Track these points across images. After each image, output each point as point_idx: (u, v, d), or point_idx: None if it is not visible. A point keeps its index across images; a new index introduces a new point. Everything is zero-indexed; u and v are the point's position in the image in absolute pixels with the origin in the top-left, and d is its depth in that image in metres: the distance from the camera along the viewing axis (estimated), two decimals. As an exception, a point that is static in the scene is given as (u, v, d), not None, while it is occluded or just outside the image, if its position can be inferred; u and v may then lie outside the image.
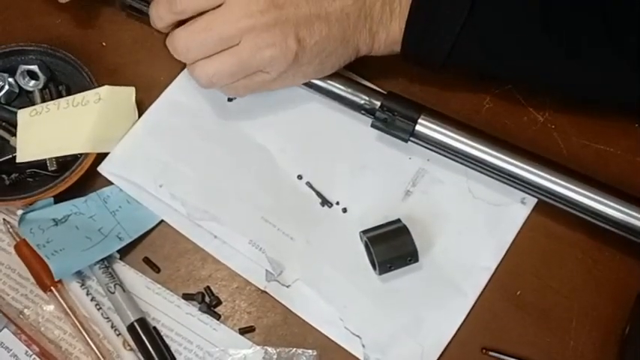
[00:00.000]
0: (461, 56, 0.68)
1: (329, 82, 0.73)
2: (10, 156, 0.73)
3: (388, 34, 0.68)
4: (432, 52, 0.69)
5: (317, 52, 0.67)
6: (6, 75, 0.75)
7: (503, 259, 0.71)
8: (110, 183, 0.73)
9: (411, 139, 0.71)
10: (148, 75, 0.77)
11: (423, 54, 0.69)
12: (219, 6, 0.66)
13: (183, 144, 0.75)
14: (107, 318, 0.69)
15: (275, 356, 0.69)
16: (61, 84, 0.76)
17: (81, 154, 0.72)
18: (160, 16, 0.68)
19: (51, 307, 0.70)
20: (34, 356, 0.68)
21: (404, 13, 0.67)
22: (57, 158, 0.72)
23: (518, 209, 0.73)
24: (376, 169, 0.74)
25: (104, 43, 0.79)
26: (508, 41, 0.68)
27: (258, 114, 0.76)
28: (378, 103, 0.71)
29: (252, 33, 0.65)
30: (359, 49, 0.69)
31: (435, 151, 0.72)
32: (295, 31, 0.65)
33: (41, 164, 0.72)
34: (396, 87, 0.74)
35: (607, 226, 0.69)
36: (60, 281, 0.69)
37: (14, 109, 0.74)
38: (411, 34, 0.68)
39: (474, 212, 0.73)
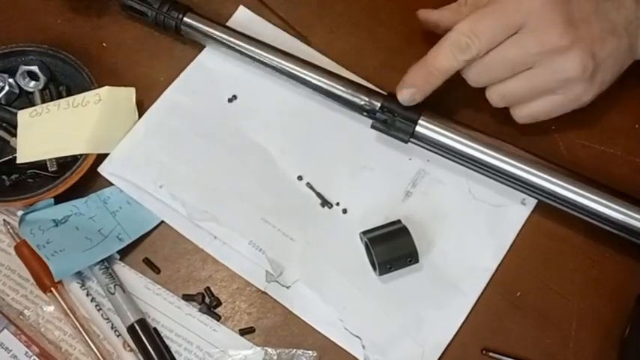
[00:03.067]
0: None
1: (329, 82, 0.73)
2: (11, 157, 0.73)
3: None
4: None
5: (609, 66, 0.67)
6: (6, 76, 0.75)
7: (503, 259, 0.71)
8: (110, 184, 0.73)
9: (411, 140, 0.71)
10: (148, 75, 0.77)
11: None
12: (516, 33, 0.65)
13: (183, 145, 0.75)
14: (107, 319, 0.69)
15: (275, 357, 0.69)
16: (61, 85, 0.76)
17: (81, 155, 0.72)
18: (445, 68, 0.67)
19: (51, 308, 0.70)
20: (33, 357, 0.68)
21: None
22: (57, 159, 0.72)
23: (518, 210, 0.73)
24: (376, 170, 0.74)
25: (104, 44, 0.79)
26: None
27: (259, 115, 0.76)
28: (379, 104, 0.71)
29: (550, 57, 0.64)
30: (638, 54, 0.69)
31: (435, 152, 0.72)
32: (590, 50, 0.64)
33: (41, 165, 0.72)
34: (396, 88, 0.74)
35: (607, 227, 0.69)
36: (60, 282, 0.69)
37: (14, 110, 0.74)
38: None
39: (474, 213, 0.73)
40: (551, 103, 0.68)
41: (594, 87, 0.67)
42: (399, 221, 0.70)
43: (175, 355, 0.69)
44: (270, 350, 0.69)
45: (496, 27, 0.64)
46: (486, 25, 0.64)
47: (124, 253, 0.72)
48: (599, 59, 0.65)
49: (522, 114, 0.70)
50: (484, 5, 0.65)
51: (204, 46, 0.78)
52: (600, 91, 0.68)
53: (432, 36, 0.71)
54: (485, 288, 0.70)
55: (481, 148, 0.70)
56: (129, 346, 0.68)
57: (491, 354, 0.69)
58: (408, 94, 0.69)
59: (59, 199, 0.71)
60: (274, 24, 0.80)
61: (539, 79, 0.66)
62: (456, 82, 0.74)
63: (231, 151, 0.75)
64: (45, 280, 0.69)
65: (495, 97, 0.69)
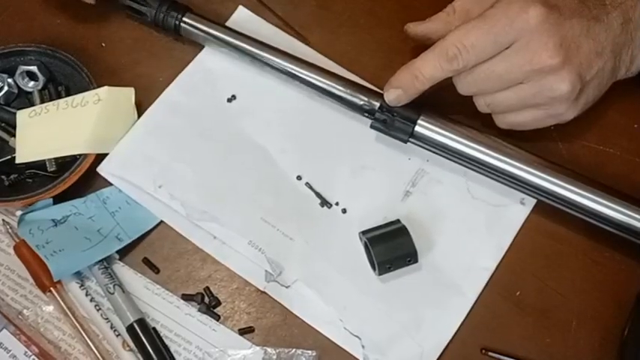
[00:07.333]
0: None
1: (329, 82, 0.73)
2: (10, 157, 0.73)
3: None
4: None
5: (593, 87, 0.67)
6: (5, 76, 0.75)
7: (502, 259, 0.71)
8: (109, 184, 0.73)
9: (411, 139, 0.71)
10: (148, 75, 0.77)
11: None
12: (506, 48, 0.65)
13: (182, 144, 0.75)
14: (106, 319, 0.69)
15: (274, 357, 0.68)
16: (60, 85, 0.76)
17: (80, 155, 0.72)
18: (430, 76, 0.67)
19: (50, 308, 0.70)
20: (33, 357, 0.68)
21: None
22: (56, 159, 0.72)
23: (517, 210, 0.73)
24: (376, 170, 0.74)
25: (103, 44, 0.79)
26: None
27: (258, 114, 0.76)
28: (378, 104, 0.71)
29: (539, 76, 0.64)
30: (619, 75, 0.69)
31: (434, 152, 0.72)
32: (578, 72, 0.65)
33: (40, 165, 0.72)
34: (395, 88, 0.74)
35: (606, 227, 0.69)
36: (59, 282, 0.69)
37: (13, 110, 0.74)
38: None
39: (473, 213, 0.73)
40: (533, 117, 0.68)
41: (578, 107, 0.68)
42: (398, 221, 0.70)
43: (175, 355, 0.69)
44: (269, 350, 0.69)
45: (486, 41, 0.64)
46: (476, 38, 0.64)
47: (124, 253, 0.72)
48: (585, 81, 0.66)
49: (504, 121, 0.70)
50: (476, 17, 0.65)
51: (204, 46, 0.78)
52: (582, 111, 0.69)
53: (432, 36, 0.72)
54: (485, 288, 0.70)
55: (480, 148, 0.70)
56: (128, 345, 0.68)
57: (490, 353, 0.69)
58: (393, 94, 0.69)
59: (58, 199, 0.71)
60: (273, 24, 0.80)
61: (525, 95, 0.66)
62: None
63: (230, 151, 0.75)
64: (44, 280, 0.69)
65: (482, 103, 0.69)
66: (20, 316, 0.70)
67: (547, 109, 0.67)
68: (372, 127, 0.72)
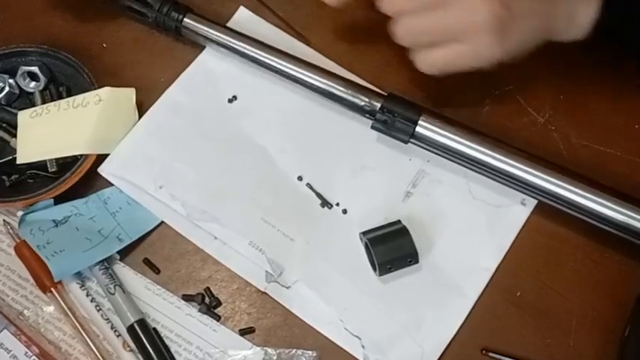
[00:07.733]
0: None
1: (330, 83, 0.73)
2: (11, 157, 0.73)
3: (585, 15, 0.65)
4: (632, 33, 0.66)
5: (522, 27, 0.64)
6: (6, 76, 0.75)
7: (503, 260, 0.71)
8: (110, 184, 0.73)
9: (411, 140, 0.71)
10: (149, 76, 0.77)
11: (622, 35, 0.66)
12: None
13: (183, 145, 0.75)
14: (107, 319, 0.69)
15: (275, 357, 0.69)
16: (61, 85, 0.76)
17: (81, 156, 0.72)
18: None
19: (51, 308, 0.70)
20: (33, 357, 0.68)
21: None
22: (57, 159, 0.72)
23: (518, 210, 0.73)
24: (376, 170, 0.74)
25: (104, 44, 0.79)
26: None
27: (259, 115, 0.76)
28: (379, 105, 0.71)
29: None
30: (553, 30, 0.66)
31: (435, 153, 0.72)
32: (506, 1, 0.62)
33: (41, 165, 0.72)
34: (396, 88, 0.74)
35: (607, 228, 0.69)
36: (60, 282, 0.69)
37: (14, 111, 0.75)
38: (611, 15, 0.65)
39: (474, 213, 0.73)
40: (454, 53, 0.65)
41: (503, 45, 0.64)
42: (398, 221, 0.70)
43: (175, 355, 0.69)
44: (270, 350, 0.69)
45: None
46: None
47: (124, 254, 0.72)
48: (512, 12, 0.63)
49: (427, 60, 0.67)
50: None
51: (205, 47, 0.78)
52: (508, 56, 0.65)
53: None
54: (485, 288, 0.70)
55: (481, 148, 0.70)
56: (129, 346, 0.68)
57: (491, 354, 0.69)
58: None
59: (59, 200, 0.71)
60: (274, 24, 0.80)
61: (447, 20, 0.64)
62: (455, 83, 0.74)
63: (231, 151, 0.75)
64: (45, 280, 0.69)
65: (401, 30, 0.66)
66: (21, 317, 0.70)
67: (469, 42, 0.64)
68: (372, 127, 0.72)
